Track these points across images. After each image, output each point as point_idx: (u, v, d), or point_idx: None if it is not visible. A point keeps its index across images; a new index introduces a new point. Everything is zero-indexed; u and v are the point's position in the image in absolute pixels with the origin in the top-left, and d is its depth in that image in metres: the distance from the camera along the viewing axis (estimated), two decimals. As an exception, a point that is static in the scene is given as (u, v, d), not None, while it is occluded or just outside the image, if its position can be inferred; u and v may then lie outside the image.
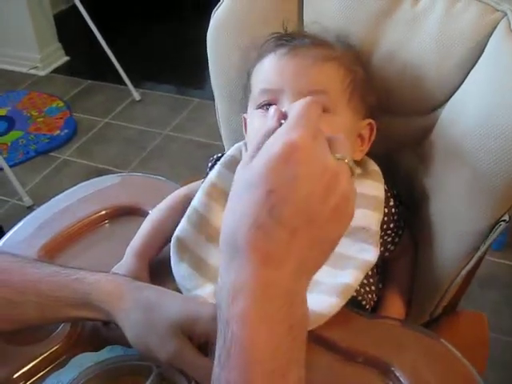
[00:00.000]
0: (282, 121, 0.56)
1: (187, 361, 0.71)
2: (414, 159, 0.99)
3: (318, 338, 0.77)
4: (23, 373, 0.79)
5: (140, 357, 0.75)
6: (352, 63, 0.91)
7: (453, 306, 1.02)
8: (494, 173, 0.81)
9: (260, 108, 0.89)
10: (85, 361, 0.76)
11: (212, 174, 0.95)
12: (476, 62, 0.86)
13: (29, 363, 0.80)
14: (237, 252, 0.52)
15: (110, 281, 0.79)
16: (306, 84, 0.86)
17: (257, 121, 0.89)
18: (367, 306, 0.89)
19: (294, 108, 0.55)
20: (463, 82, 0.88)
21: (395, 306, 0.96)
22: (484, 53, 0.86)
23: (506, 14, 0.85)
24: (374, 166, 0.92)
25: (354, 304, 0.85)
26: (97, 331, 0.83)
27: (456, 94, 0.89)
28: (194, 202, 0.93)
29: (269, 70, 0.90)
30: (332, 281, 0.82)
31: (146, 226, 0.97)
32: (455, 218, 0.89)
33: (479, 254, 0.89)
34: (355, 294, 0.85)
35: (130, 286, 0.79)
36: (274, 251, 0.51)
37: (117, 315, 0.76)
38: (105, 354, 0.77)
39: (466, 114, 0.85)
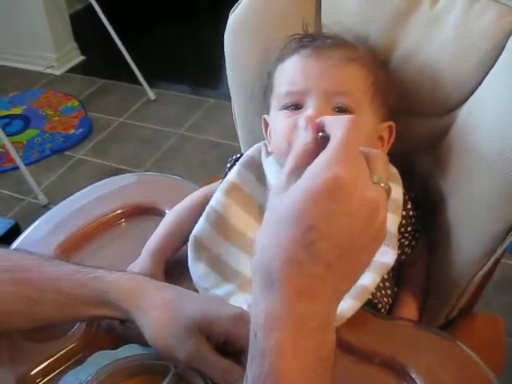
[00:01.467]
0: (319, 134, 0.54)
1: (204, 360, 0.71)
2: (430, 161, 0.99)
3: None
4: (41, 370, 0.79)
5: (158, 356, 0.75)
6: (373, 64, 0.91)
7: (468, 309, 1.01)
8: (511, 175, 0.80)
9: (285, 109, 0.89)
10: (102, 359, 0.76)
11: (231, 174, 0.94)
12: (494, 62, 0.86)
13: (46, 360, 0.80)
14: (271, 283, 0.51)
15: (129, 279, 0.79)
16: (331, 85, 0.86)
17: (281, 122, 0.89)
18: (382, 310, 0.89)
19: (336, 133, 0.53)
20: (481, 82, 0.88)
21: (410, 309, 0.95)
22: (502, 54, 0.85)
23: (524, 16, 0.85)
24: (392, 169, 0.92)
25: (369, 307, 0.85)
26: (113, 329, 0.83)
27: (474, 95, 0.89)
28: (212, 202, 0.93)
29: (293, 72, 0.90)
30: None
31: (163, 226, 0.97)
32: (472, 221, 0.89)
33: (496, 256, 0.88)
34: (371, 296, 0.85)
35: (149, 284, 0.79)
36: (309, 286, 0.51)
37: (135, 314, 0.76)
38: (123, 352, 0.77)
39: (484, 116, 0.85)
